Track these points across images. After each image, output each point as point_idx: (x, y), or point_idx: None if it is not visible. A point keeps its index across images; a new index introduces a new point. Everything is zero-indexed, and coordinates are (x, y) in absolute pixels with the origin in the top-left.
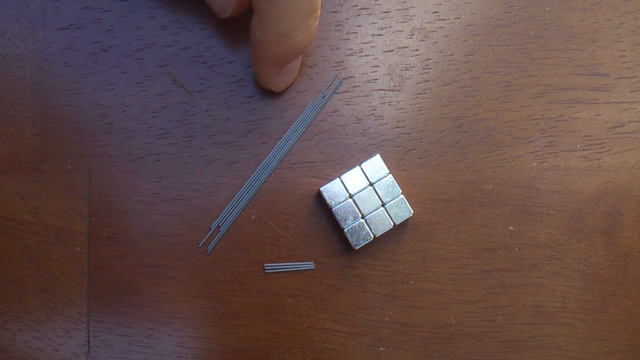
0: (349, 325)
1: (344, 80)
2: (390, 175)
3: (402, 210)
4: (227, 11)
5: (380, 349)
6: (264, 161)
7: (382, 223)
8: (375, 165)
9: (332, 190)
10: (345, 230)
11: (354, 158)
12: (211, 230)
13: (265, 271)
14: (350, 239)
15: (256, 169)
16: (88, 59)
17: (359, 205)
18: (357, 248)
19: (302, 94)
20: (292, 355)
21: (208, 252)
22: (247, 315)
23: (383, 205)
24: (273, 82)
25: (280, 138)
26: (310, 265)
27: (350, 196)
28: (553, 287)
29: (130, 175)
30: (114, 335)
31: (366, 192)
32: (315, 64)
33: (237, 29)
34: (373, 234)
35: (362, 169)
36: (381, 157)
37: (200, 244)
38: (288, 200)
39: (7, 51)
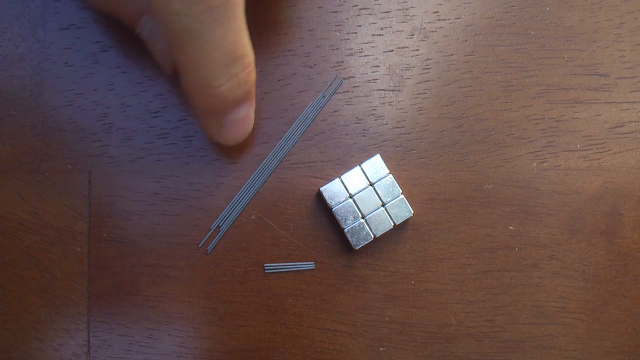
0: (349, 325)
1: (344, 80)
2: (391, 175)
3: (402, 210)
4: (168, 68)
5: (381, 349)
6: (264, 161)
7: (382, 223)
8: (376, 165)
9: (332, 190)
10: (345, 230)
11: (354, 158)
12: (211, 230)
13: (266, 271)
14: (350, 239)
15: (256, 169)
16: (88, 59)
17: (359, 205)
18: (357, 248)
19: (302, 94)
20: (292, 355)
21: (208, 253)
22: (247, 315)
23: (383, 205)
24: (218, 135)
25: (281, 138)
26: (310, 265)
27: (351, 196)
28: (553, 287)
29: (130, 175)
30: (114, 335)
31: (366, 192)
32: (315, 64)
33: None
34: (373, 234)
35: (362, 169)
36: (381, 157)
37: (201, 244)
38: (288, 200)
39: (7, 51)
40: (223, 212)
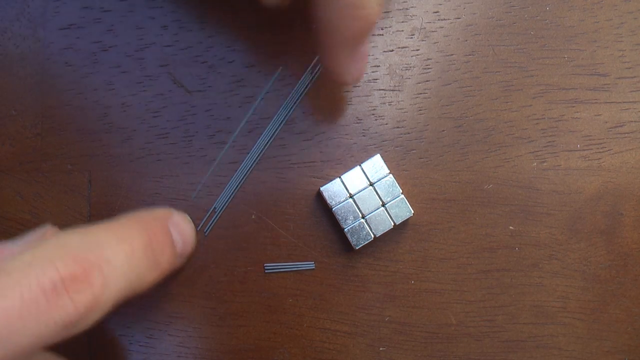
0: (349, 325)
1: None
2: (391, 175)
3: (403, 210)
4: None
5: (381, 349)
6: (261, 135)
7: (383, 223)
8: (376, 165)
9: (333, 190)
10: (345, 230)
11: (354, 158)
12: (208, 213)
13: (266, 271)
14: (350, 239)
15: (253, 145)
16: (88, 58)
17: (359, 205)
18: (357, 248)
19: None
20: (292, 355)
21: (206, 234)
22: (247, 315)
23: (383, 205)
24: (350, 69)
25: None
26: (310, 265)
27: (351, 196)
28: (553, 287)
29: (130, 175)
30: (114, 335)
31: (366, 192)
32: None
33: (237, 28)
34: (373, 233)
35: (362, 169)
36: (381, 157)
37: (199, 227)
38: (288, 200)
39: (7, 51)
40: (221, 195)
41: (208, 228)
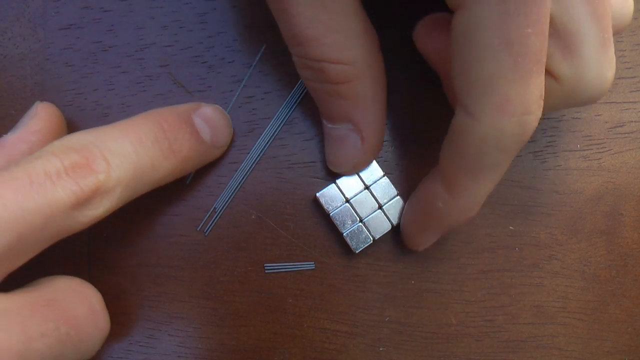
0: (349, 325)
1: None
2: (386, 177)
3: (400, 210)
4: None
5: (381, 349)
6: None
7: (381, 225)
8: (370, 168)
9: (329, 195)
10: (344, 234)
11: None
12: (208, 213)
13: (266, 271)
14: (350, 243)
15: (253, 145)
16: (88, 59)
17: (356, 208)
18: (357, 252)
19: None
20: (292, 355)
21: (206, 234)
22: (247, 315)
23: (380, 207)
24: (426, 245)
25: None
26: (310, 265)
27: (347, 200)
28: (553, 287)
29: None
30: (114, 336)
31: (362, 195)
32: None
33: (237, 28)
34: (372, 236)
35: (356, 173)
36: (378, 163)
37: (199, 228)
38: (288, 200)
39: (7, 51)
40: (222, 194)
41: (208, 228)
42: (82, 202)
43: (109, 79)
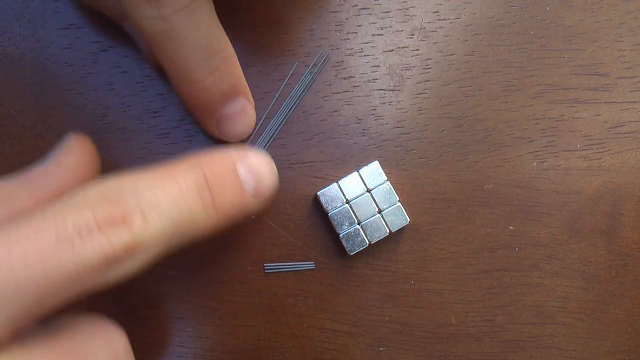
0: (349, 325)
1: (329, 57)
2: (388, 182)
3: (399, 217)
4: (154, 63)
5: (381, 348)
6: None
7: (378, 230)
8: (374, 172)
9: (329, 195)
10: (340, 235)
11: (354, 158)
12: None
13: (266, 271)
14: (345, 245)
15: (254, 145)
16: (88, 58)
17: (355, 211)
18: (352, 254)
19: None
20: (292, 355)
21: (265, 148)
22: (247, 315)
23: (380, 212)
24: (218, 131)
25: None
26: (310, 265)
27: (347, 202)
28: (553, 287)
29: None
30: None
31: (363, 198)
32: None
33: (238, 28)
34: (368, 240)
35: (360, 175)
36: (380, 163)
37: (256, 146)
38: (288, 200)
39: (7, 51)
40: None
41: (268, 144)
42: (112, 262)
43: (109, 78)
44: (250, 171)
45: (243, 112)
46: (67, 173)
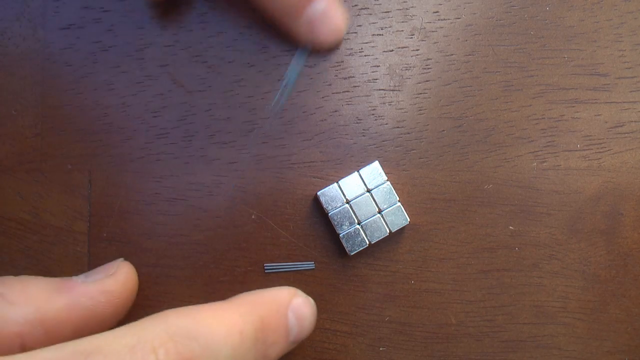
0: (349, 325)
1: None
2: (388, 183)
3: (399, 218)
4: None
5: (381, 348)
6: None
7: (378, 230)
8: (374, 172)
9: (330, 195)
10: (340, 235)
11: (354, 158)
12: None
13: (266, 271)
14: (345, 245)
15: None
16: (88, 58)
17: (355, 211)
18: (352, 254)
19: (303, 94)
20: (292, 355)
21: (282, 107)
22: None
23: (380, 212)
24: (312, 37)
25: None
26: (310, 265)
27: (347, 202)
28: (553, 287)
29: (130, 175)
30: None
31: (363, 198)
32: (315, 64)
33: (238, 28)
34: (368, 240)
35: (360, 175)
36: (380, 163)
37: (272, 103)
38: (288, 200)
39: (7, 51)
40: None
41: (282, 101)
42: None
43: (109, 78)
44: (297, 317)
45: (330, 10)
46: (106, 298)
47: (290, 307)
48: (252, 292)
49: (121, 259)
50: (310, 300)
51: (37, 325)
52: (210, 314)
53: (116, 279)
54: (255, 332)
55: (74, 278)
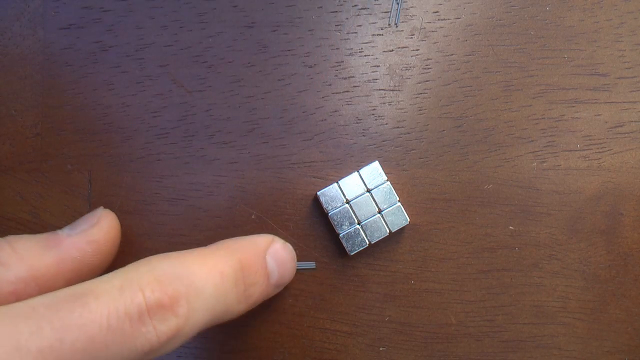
0: (349, 325)
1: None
2: (388, 183)
3: (399, 218)
4: None
5: (381, 348)
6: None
7: (378, 230)
8: (374, 172)
9: (330, 195)
10: (340, 235)
11: (354, 158)
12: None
13: None
14: (345, 245)
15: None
16: (88, 58)
17: (355, 211)
18: (352, 254)
19: (303, 94)
20: (292, 355)
21: (397, 24)
22: (247, 315)
23: (380, 212)
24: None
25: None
26: (310, 265)
27: (347, 202)
28: (553, 287)
29: (130, 175)
30: None
31: (363, 198)
32: (315, 64)
33: (237, 28)
34: (368, 240)
35: (360, 175)
36: (380, 163)
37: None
38: (288, 200)
39: (7, 51)
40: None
41: (397, 18)
42: (155, 348)
43: (108, 79)
44: (276, 261)
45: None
46: (92, 248)
47: (268, 251)
48: (232, 238)
49: (101, 207)
50: (289, 246)
51: (30, 282)
52: (191, 257)
53: (100, 228)
54: (234, 272)
55: (59, 232)
